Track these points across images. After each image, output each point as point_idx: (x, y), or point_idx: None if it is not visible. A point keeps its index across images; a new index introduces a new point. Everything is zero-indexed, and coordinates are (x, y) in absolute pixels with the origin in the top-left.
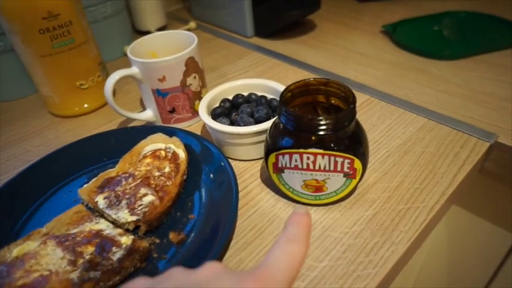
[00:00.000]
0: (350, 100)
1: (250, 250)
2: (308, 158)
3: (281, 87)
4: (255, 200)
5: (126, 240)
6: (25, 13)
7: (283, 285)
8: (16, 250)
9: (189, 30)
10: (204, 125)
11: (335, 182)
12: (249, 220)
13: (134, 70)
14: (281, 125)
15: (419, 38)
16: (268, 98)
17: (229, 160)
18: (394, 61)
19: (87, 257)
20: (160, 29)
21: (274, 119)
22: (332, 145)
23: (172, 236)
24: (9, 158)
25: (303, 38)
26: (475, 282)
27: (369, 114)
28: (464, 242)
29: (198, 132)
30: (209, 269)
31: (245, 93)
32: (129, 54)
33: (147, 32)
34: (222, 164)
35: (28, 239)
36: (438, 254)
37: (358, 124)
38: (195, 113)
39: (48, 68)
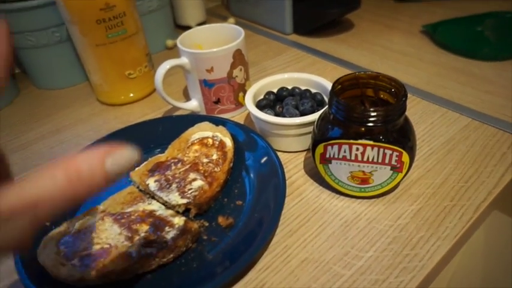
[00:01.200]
0: (401, 93)
1: (296, 237)
2: (357, 149)
3: (325, 82)
4: (300, 190)
5: (179, 221)
6: (85, 4)
7: None
8: (78, 223)
9: None
10: (247, 117)
11: (381, 175)
12: (294, 209)
13: (184, 60)
14: (331, 116)
15: (461, 38)
16: (312, 92)
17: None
18: (434, 61)
19: (143, 234)
20: (199, 24)
21: (321, 111)
22: (381, 137)
23: (221, 220)
24: (63, 140)
25: (341, 36)
26: None
27: (411, 112)
28: (502, 248)
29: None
30: None
31: (289, 87)
32: (179, 45)
33: (188, 27)
34: (269, 154)
35: (87, 214)
36: (474, 258)
37: (406, 118)
38: (238, 104)
39: (101, 57)
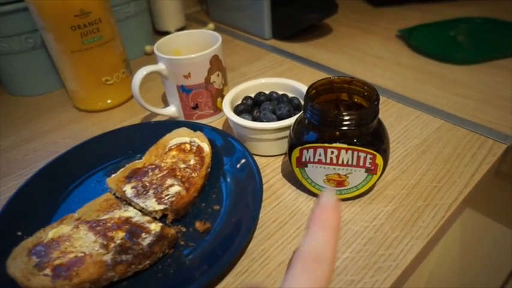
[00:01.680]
0: (374, 97)
1: (273, 240)
2: (332, 153)
3: (302, 86)
4: (277, 193)
5: (155, 227)
6: (59, 11)
7: None
8: (51, 232)
9: None
10: (225, 122)
11: (357, 177)
12: (272, 212)
13: (161, 66)
14: (306, 120)
15: (435, 42)
16: (290, 97)
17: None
18: (410, 65)
19: (118, 241)
20: (179, 30)
21: (297, 115)
22: (355, 140)
23: (198, 225)
24: (39, 148)
25: (319, 41)
26: (487, 285)
27: (386, 115)
28: (477, 245)
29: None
30: None
31: (266, 92)
32: (156, 51)
33: (167, 33)
34: (246, 159)
35: (61, 223)
36: (450, 256)
37: (380, 122)
38: (217, 109)
39: (77, 64)
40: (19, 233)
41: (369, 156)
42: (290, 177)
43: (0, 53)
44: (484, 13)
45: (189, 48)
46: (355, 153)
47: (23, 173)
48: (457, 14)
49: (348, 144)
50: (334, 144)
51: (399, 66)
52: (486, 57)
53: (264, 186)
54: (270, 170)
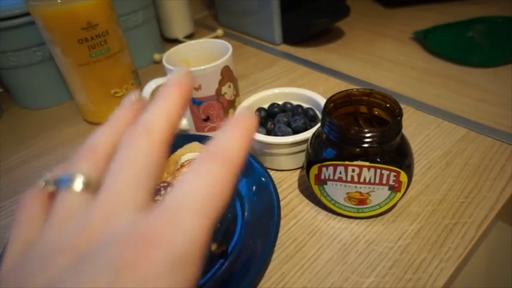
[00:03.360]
0: (396, 112)
1: (293, 263)
2: (353, 171)
3: (316, 96)
4: (295, 211)
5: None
6: (66, 24)
7: (192, 241)
8: None
9: (216, 37)
10: None
11: (379, 195)
12: (290, 232)
13: None
14: (324, 135)
15: (452, 44)
16: (304, 107)
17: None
18: (426, 68)
19: None
20: (187, 37)
21: (314, 129)
22: (377, 158)
23: (213, 247)
24: (49, 164)
25: (331, 45)
26: None
27: (405, 124)
28: (504, 259)
29: None
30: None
31: (280, 102)
32: (165, 63)
33: (175, 40)
34: (262, 176)
35: None
36: (476, 269)
37: (403, 136)
38: None
39: (85, 77)
40: None
41: (392, 173)
42: (308, 193)
43: (10, 67)
44: (503, 12)
45: (199, 58)
46: (378, 171)
47: None
48: (475, 14)
49: (370, 162)
50: (355, 162)
51: (415, 70)
52: (508, 59)
53: (281, 203)
54: (287, 185)
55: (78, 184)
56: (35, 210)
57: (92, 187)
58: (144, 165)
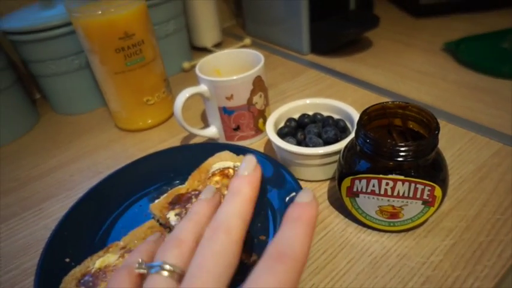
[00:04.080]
0: (433, 126)
1: (323, 275)
2: (387, 184)
3: (348, 108)
4: (325, 222)
5: None
6: (105, 34)
7: None
8: (98, 262)
9: (244, 46)
10: (267, 143)
11: (412, 209)
12: (320, 243)
13: (203, 88)
14: (358, 147)
15: (485, 55)
16: (335, 119)
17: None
18: (458, 80)
19: None
20: (216, 45)
21: (347, 141)
22: (412, 172)
23: (244, 257)
24: (83, 169)
25: (360, 55)
26: None
27: None
28: None
29: (261, 150)
30: None
31: (310, 113)
32: (198, 73)
33: (204, 48)
34: (293, 186)
35: (107, 251)
36: None
37: (438, 151)
38: (258, 130)
39: (120, 85)
40: (67, 260)
41: (427, 188)
42: (338, 204)
43: (48, 75)
44: None
45: (230, 67)
46: (412, 185)
47: (69, 195)
48: (508, 24)
49: (405, 176)
50: (389, 176)
51: (446, 82)
52: None
53: None
54: (317, 196)
55: (165, 271)
56: (125, 286)
57: (176, 274)
58: (223, 262)
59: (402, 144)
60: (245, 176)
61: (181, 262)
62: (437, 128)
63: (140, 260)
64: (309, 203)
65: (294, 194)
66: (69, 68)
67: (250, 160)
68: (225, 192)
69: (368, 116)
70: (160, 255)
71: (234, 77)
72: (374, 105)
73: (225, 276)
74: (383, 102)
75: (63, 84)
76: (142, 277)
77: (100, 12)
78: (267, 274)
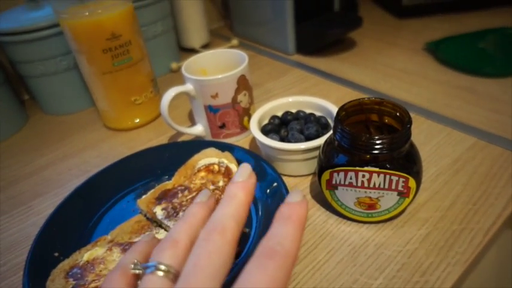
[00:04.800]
0: (406, 120)
1: (304, 265)
2: (363, 176)
3: (329, 105)
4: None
5: None
6: (92, 35)
7: None
8: (86, 255)
9: (231, 47)
10: (252, 140)
11: (388, 200)
12: None
13: (189, 87)
14: (336, 142)
15: (464, 55)
16: (317, 116)
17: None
18: (438, 79)
19: None
20: (204, 46)
21: (326, 136)
22: (387, 164)
23: None
24: (71, 167)
25: (344, 55)
26: None
27: (415, 132)
28: None
29: (246, 147)
30: None
31: (293, 111)
32: (184, 72)
33: (192, 49)
34: (276, 181)
35: (95, 245)
36: (485, 278)
37: (412, 144)
38: (243, 128)
39: (108, 85)
40: (56, 254)
41: (401, 179)
42: (319, 198)
43: (37, 75)
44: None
45: (215, 67)
46: (387, 176)
47: (58, 192)
48: (487, 25)
49: (380, 168)
50: (365, 168)
51: (426, 80)
52: None
53: None
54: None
55: (160, 271)
56: (120, 285)
57: (171, 274)
58: (218, 261)
59: (377, 137)
60: (240, 182)
61: (176, 262)
62: (410, 122)
63: (136, 261)
64: (299, 202)
65: (275, 184)
66: (57, 68)
67: (246, 167)
68: (210, 186)
69: (345, 112)
70: (155, 255)
71: (219, 76)
72: (351, 101)
73: (219, 275)
74: (360, 99)
75: (52, 85)
76: (136, 278)
77: (87, 14)
78: (259, 271)
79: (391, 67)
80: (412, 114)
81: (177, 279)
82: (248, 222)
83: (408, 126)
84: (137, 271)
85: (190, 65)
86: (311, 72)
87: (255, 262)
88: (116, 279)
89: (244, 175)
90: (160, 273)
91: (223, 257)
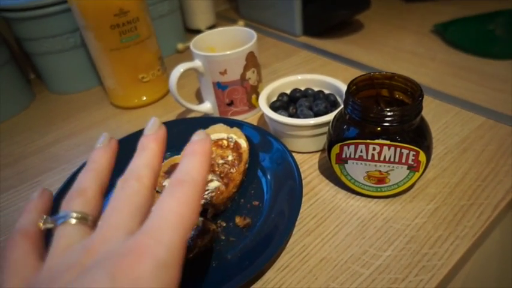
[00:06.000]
0: (417, 93)
1: (313, 237)
2: (374, 149)
3: (338, 83)
4: (315, 190)
5: (197, 221)
6: (100, 10)
7: (171, 250)
8: None
9: None
10: (260, 118)
11: (398, 174)
12: (310, 209)
13: (197, 63)
14: (347, 116)
15: (472, 37)
16: (326, 93)
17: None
18: (445, 60)
19: None
20: (209, 28)
21: (336, 112)
22: (397, 137)
23: (238, 220)
24: (79, 143)
25: (351, 37)
26: None
27: (424, 111)
28: None
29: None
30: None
31: (302, 88)
32: (192, 48)
33: (198, 31)
34: (284, 156)
35: None
36: (488, 260)
37: (422, 118)
38: (252, 106)
39: (115, 62)
40: None
41: (411, 153)
42: (328, 174)
43: (43, 53)
44: None
45: (224, 45)
46: (398, 149)
47: (66, 168)
48: (495, 7)
49: (391, 140)
50: (376, 141)
51: (434, 61)
52: None
53: (303, 183)
54: (307, 166)
55: (73, 219)
56: (26, 249)
57: (89, 221)
58: (135, 201)
59: (388, 109)
60: (151, 135)
61: (87, 208)
62: (421, 95)
63: (44, 216)
64: (201, 139)
65: (282, 158)
66: (64, 46)
67: (154, 121)
68: (219, 161)
69: (356, 86)
70: (65, 206)
71: (228, 52)
72: (362, 75)
73: (139, 215)
74: (370, 73)
75: (58, 63)
76: (41, 236)
77: None
78: (169, 197)
79: (399, 49)
80: None
81: (93, 224)
82: (259, 196)
83: (420, 99)
84: (48, 225)
85: (198, 43)
86: (318, 54)
87: (167, 191)
88: (17, 243)
89: (153, 128)
90: (73, 221)
91: (141, 198)
